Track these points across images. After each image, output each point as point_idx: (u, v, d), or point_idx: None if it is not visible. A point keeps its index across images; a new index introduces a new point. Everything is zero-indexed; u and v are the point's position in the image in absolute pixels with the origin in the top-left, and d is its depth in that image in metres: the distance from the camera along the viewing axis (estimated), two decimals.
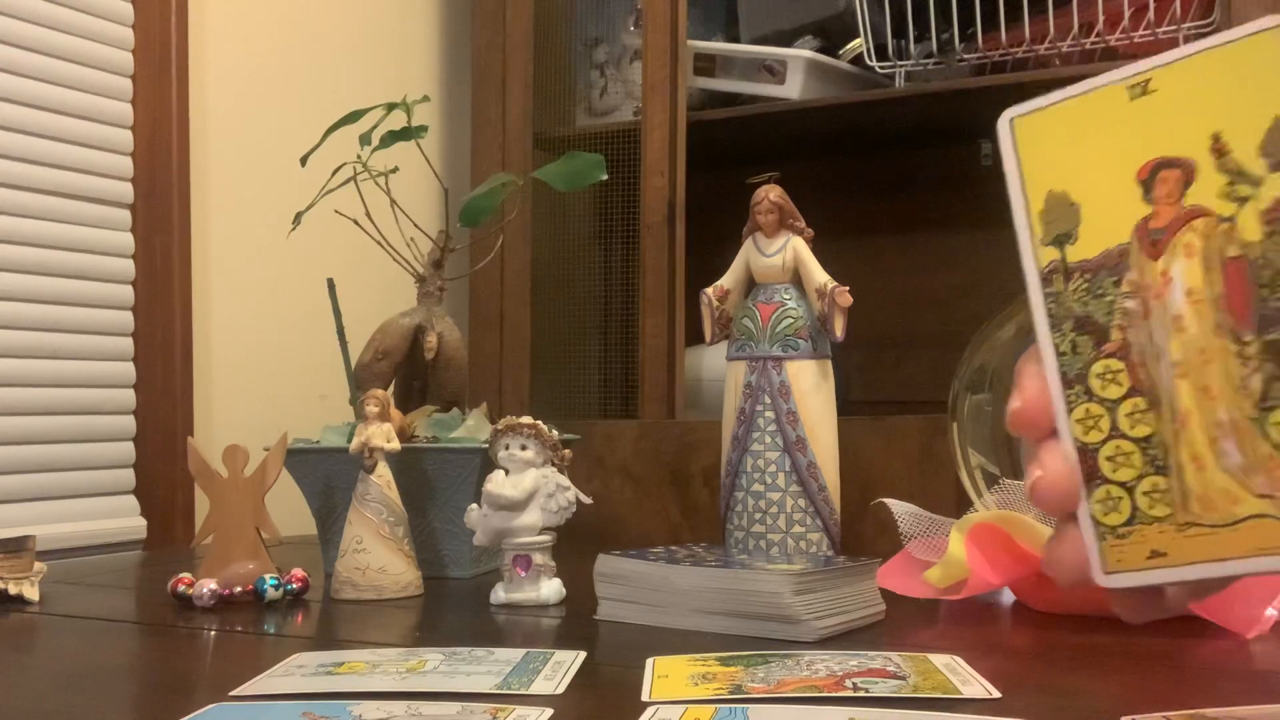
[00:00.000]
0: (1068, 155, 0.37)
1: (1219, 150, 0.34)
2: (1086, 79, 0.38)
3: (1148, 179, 0.36)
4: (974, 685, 0.57)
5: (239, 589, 0.84)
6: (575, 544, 0.87)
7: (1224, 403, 0.34)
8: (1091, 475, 0.37)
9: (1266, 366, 0.33)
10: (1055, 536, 0.39)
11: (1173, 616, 0.42)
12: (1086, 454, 0.37)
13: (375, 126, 1.02)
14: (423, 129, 1.01)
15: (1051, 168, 0.38)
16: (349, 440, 0.92)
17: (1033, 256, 0.38)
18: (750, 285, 1.02)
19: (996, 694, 0.55)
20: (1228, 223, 0.34)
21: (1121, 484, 0.36)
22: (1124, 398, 0.36)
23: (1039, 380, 0.38)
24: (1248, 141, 0.34)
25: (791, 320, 0.98)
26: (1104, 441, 0.37)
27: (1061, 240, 0.37)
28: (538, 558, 0.84)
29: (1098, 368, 0.37)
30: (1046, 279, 0.38)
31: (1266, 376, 0.33)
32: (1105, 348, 0.37)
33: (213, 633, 0.76)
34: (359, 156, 1.01)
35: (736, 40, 1.61)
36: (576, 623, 0.79)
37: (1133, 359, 0.36)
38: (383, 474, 0.89)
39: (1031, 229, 0.38)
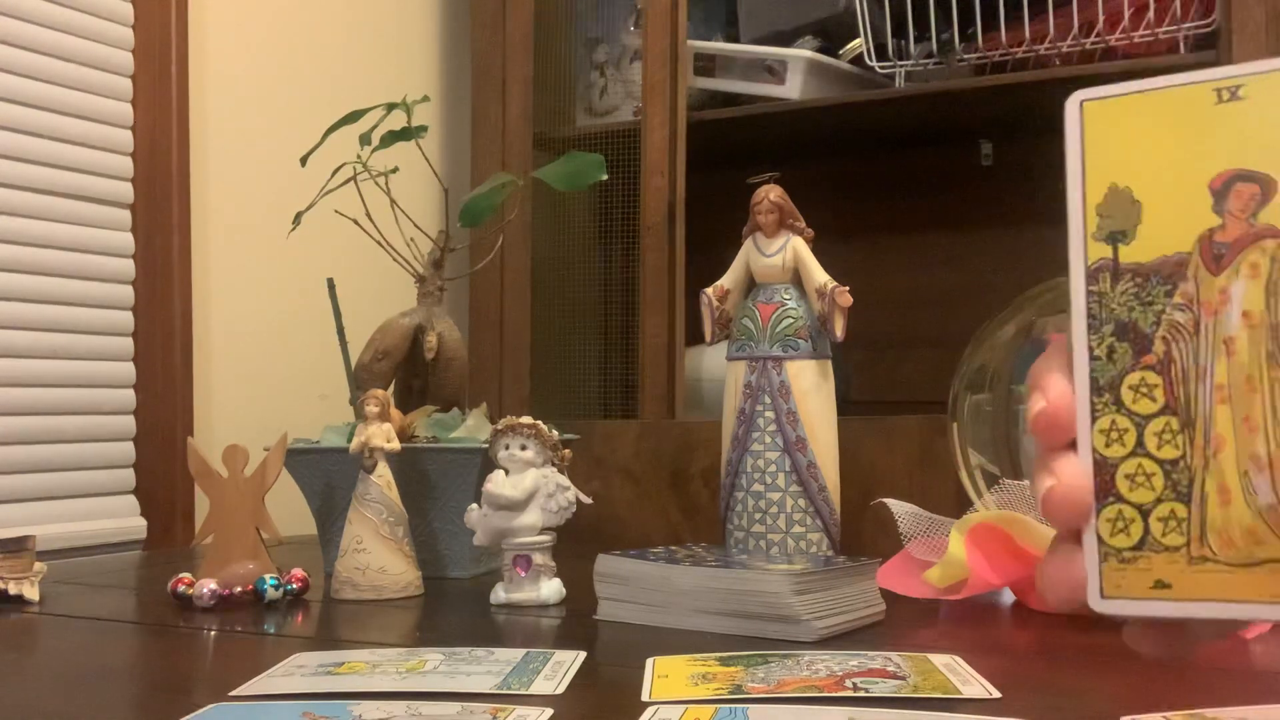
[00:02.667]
0: (1137, 150, 0.35)
1: None
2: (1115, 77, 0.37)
3: (1221, 189, 0.34)
4: (974, 685, 0.57)
5: (239, 589, 0.84)
6: (575, 544, 0.87)
7: (1264, 436, 0.32)
8: (1105, 491, 0.35)
9: None
10: (1052, 552, 0.37)
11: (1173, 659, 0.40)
12: (1104, 468, 0.35)
13: (375, 126, 1.01)
14: (422, 129, 1.01)
15: (1117, 160, 0.35)
16: (349, 440, 0.92)
17: (1082, 250, 0.36)
18: (750, 285, 1.02)
19: (996, 694, 0.55)
20: None
21: (1137, 506, 0.34)
22: (1156, 415, 0.34)
23: (1066, 383, 0.36)
24: None
25: (791, 320, 0.98)
26: (1125, 458, 0.34)
27: (1116, 238, 0.35)
28: (538, 558, 0.84)
29: (1132, 379, 0.35)
30: (1093, 276, 0.35)
31: None
32: (1145, 359, 0.34)
33: (213, 633, 0.76)
34: (359, 156, 1.01)
35: (736, 40, 1.61)
36: (576, 623, 0.79)
37: (1172, 375, 0.34)
38: (383, 474, 0.89)
39: (1085, 221, 0.36)
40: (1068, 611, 0.37)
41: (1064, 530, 0.36)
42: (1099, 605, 0.35)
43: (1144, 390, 0.34)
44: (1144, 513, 0.34)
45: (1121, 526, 0.34)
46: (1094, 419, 0.35)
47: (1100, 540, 0.35)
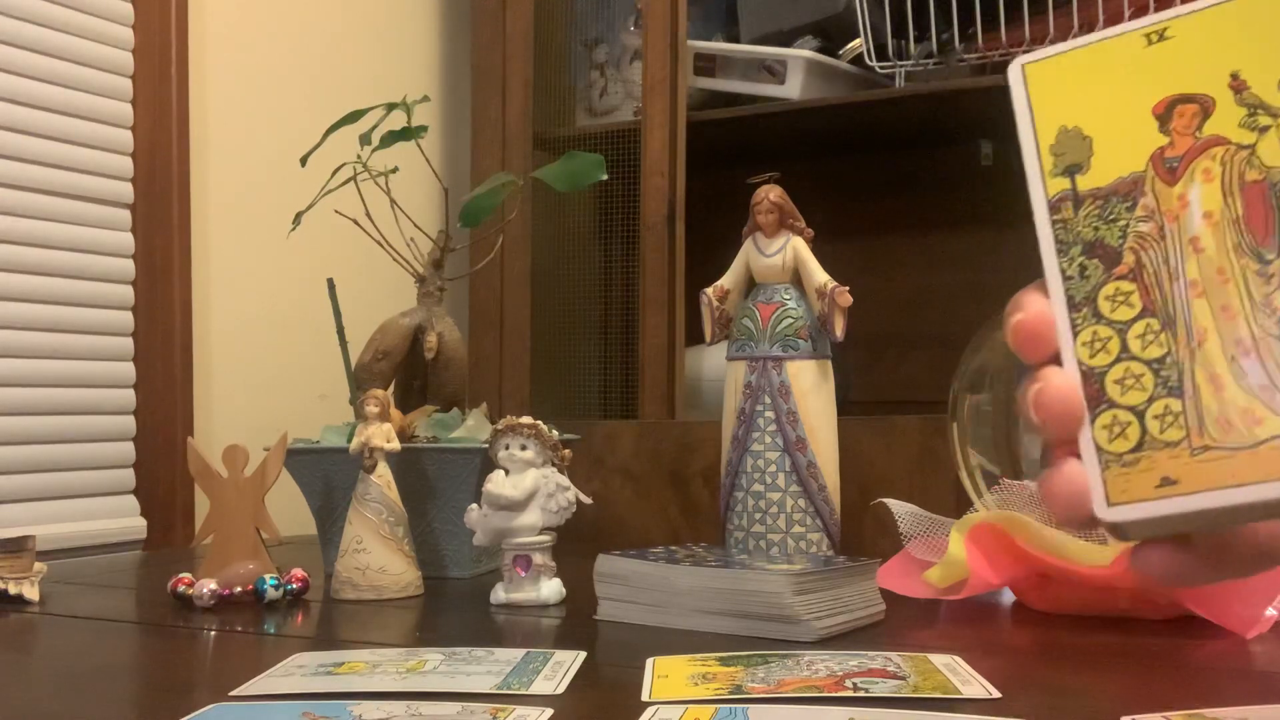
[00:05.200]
0: (1080, 95, 0.38)
1: (1237, 87, 0.35)
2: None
3: (1164, 113, 0.36)
4: (974, 685, 0.57)
5: (239, 589, 0.84)
6: (575, 544, 0.87)
7: (1244, 320, 0.34)
8: (1097, 400, 0.35)
9: None
10: (1050, 469, 0.36)
11: (1193, 587, 0.39)
12: (1092, 377, 0.36)
13: (375, 126, 1.01)
14: (422, 129, 1.01)
15: (1063, 105, 0.38)
16: (349, 440, 0.92)
17: (1041, 188, 0.38)
18: (750, 285, 1.02)
19: (996, 694, 0.55)
20: (1247, 150, 0.35)
21: (1130, 408, 0.35)
22: (1135, 319, 0.35)
23: (1040, 299, 0.37)
24: (1267, 77, 0.35)
25: (791, 320, 0.98)
26: (1112, 364, 0.36)
27: (1072, 170, 0.37)
28: (538, 558, 0.84)
29: (1108, 290, 0.36)
30: (1055, 207, 0.37)
31: None
32: (1116, 270, 0.36)
33: (213, 633, 0.76)
34: (359, 156, 1.01)
35: (736, 40, 1.60)
36: (576, 623, 0.79)
37: (1145, 281, 0.36)
38: (383, 474, 0.89)
39: (1041, 162, 0.38)
40: (1075, 526, 0.36)
41: (1055, 437, 0.36)
42: (1106, 513, 0.35)
43: (1120, 299, 0.36)
44: (1139, 414, 0.35)
45: (1118, 431, 0.35)
46: (1075, 333, 0.36)
47: (1098, 448, 0.35)
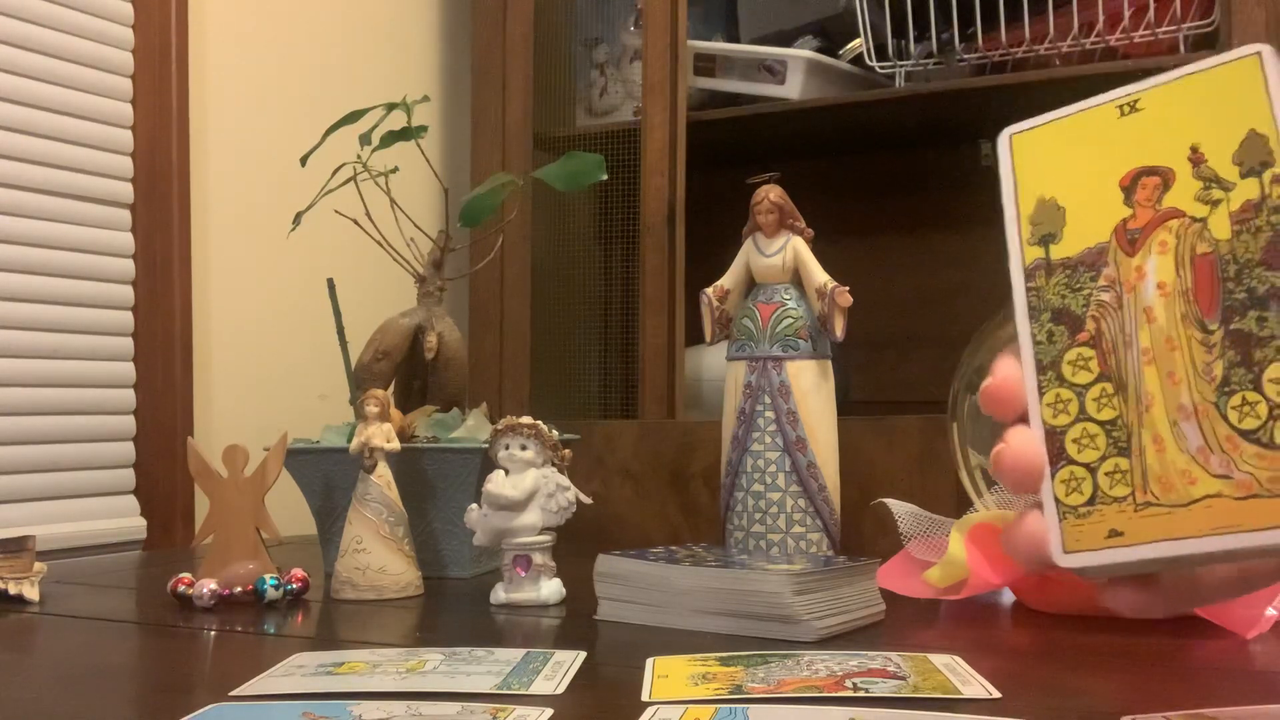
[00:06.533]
0: (1059, 166, 0.41)
1: (1196, 160, 0.37)
2: (1083, 97, 0.41)
3: (1129, 185, 0.39)
4: (974, 685, 0.57)
5: (239, 589, 0.84)
6: (575, 544, 0.87)
7: (1187, 387, 0.36)
8: (1057, 457, 0.39)
9: (1228, 354, 0.36)
10: (1016, 519, 0.40)
11: (1169, 617, 0.42)
12: (1054, 436, 0.39)
13: (375, 126, 1.01)
14: (422, 129, 1.01)
15: (1043, 177, 0.41)
16: (349, 440, 0.92)
17: (1019, 255, 0.41)
18: (750, 285, 1.02)
19: (996, 694, 0.55)
20: (1199, 223, 0.37)
21: (1085, 465, 0.38)
22: (1093, 383, 0.38)
23: (1013, 365, 0.40)
24: (1223, 151, 0.37)
25: (791, 320, 0.98)
26: (1071, 424, 0.38)
27: (1046, 240, 0.40)
28: (538, 558, 0.84)
29: (1070, 355, 0.39)
30: (1030, 275, 0.40)
31: (1228, 363, 0.35)
32: (1079, 336, 0.39)
33: (213, 633, 0.76)
34: (359, 156, 1.01)
35: (736, 40, 1.61)
36: (576, 623, 0.79)
37: (1104, 347, 0.38)
38: (383, 474, 0.89)
39: (1020, 231, 0.41)
40: (1034, 569, 0.40)
41: (1014, 491, 0.40)
42: (1063, 560, 0.38)
43: (1081, 364, 0.39)
44: (1092, 470, 0.38)
45: (1074, 486, 0.38)
46: (1041, 394, 0.39)
47: (1057, 501, 0.38)
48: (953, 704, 0.54)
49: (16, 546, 0.88)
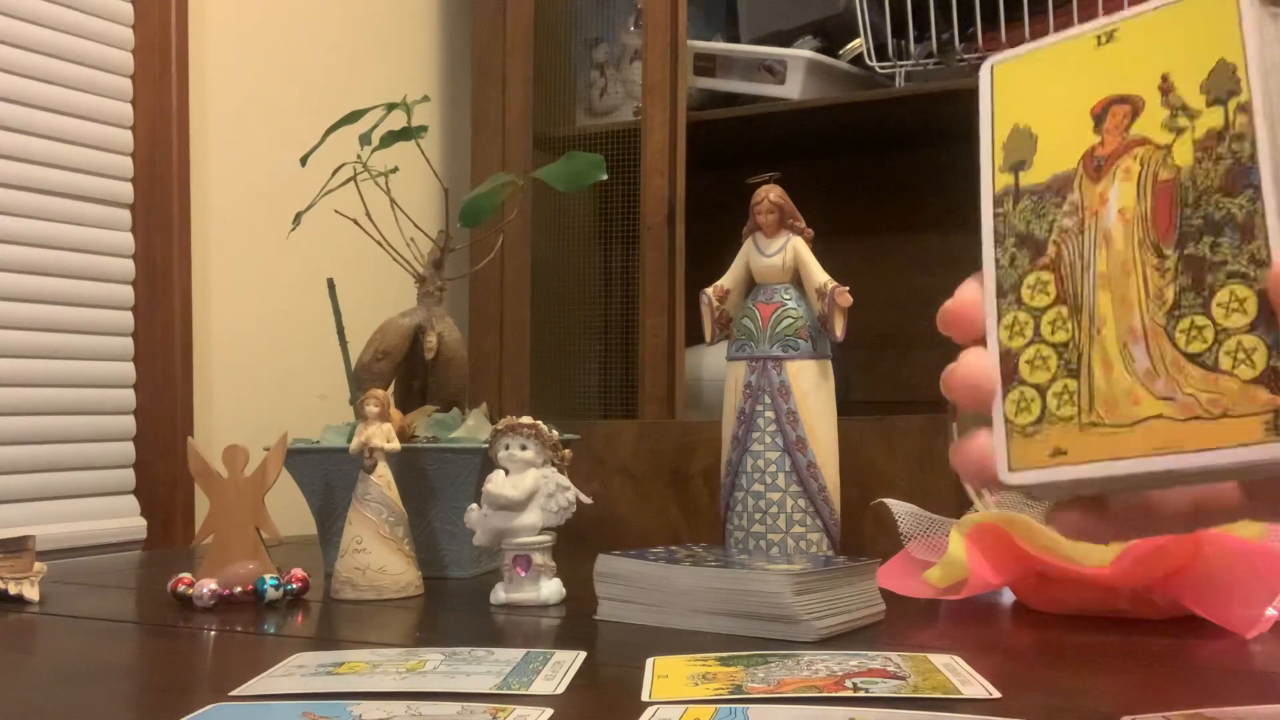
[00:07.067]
0: (1035, 95, 0.41)
1: (1165, 88, 0.37)
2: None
3: (1100, 113, 0.39)
4: (974, 685, 0.57)
5: (239, 589, 0.84)
6: (575, 544, 0.87)
7: (1138, 311, 0.37)
8: (1010, 377, 0.39)
9: (1181, 279, 0.36)
10: (964, 437, 0.40)
11: (1122, 538, 0.42)
12: (1009, 358, 0.39)
13: (375, 126, 1.01)
14: (422, 129, 1.01)
15: (1020, 105, 0.41)
16: (349, 440, 0.92)
17: (990, 181, 0.41)
18: (750, 285, 1.02)
19: (996, 694, 0.55)
20: (1164, 150, 0.37)
21: (1035, 385, 0.38)
22: (1050, 306, 0.39)
23: (973, 288, 0.41)
24: (1192, 80, 0.37)
25: (791, 320, 0.98)
26: (1026, 346, 0.39)
27: (1017, 167, 0.40)
28: (538, 558, 0.84)
29: (1030, 279, 0.39)
30: (998, 200, 0.41)
31: (1180, 288, 0.36)
32: (1040, 260, 0.39)
33: (213, 633, 0.76)
34: (359, 156, 1.01)
35: (736, 40, 1.60)
36: (576, 623, 0.79)
37: (1062, 271, 0.39)
38: (383, 474, 0.89)
39: (993, 158, 0.41)
40: (978, 486, 0.40)
41: (966, 409, 0.41)
42: (1007, 477, 0.39)
43: (1039, 287, 0.39)
44: (1041, 391, 0.38)
45: (1024, 406, 0.39)
46: (999, 317, 0.40)
47: (1006, 420, 0.39)
48: (953, 704, 0.54)
49: (16, 546, 0.88)
